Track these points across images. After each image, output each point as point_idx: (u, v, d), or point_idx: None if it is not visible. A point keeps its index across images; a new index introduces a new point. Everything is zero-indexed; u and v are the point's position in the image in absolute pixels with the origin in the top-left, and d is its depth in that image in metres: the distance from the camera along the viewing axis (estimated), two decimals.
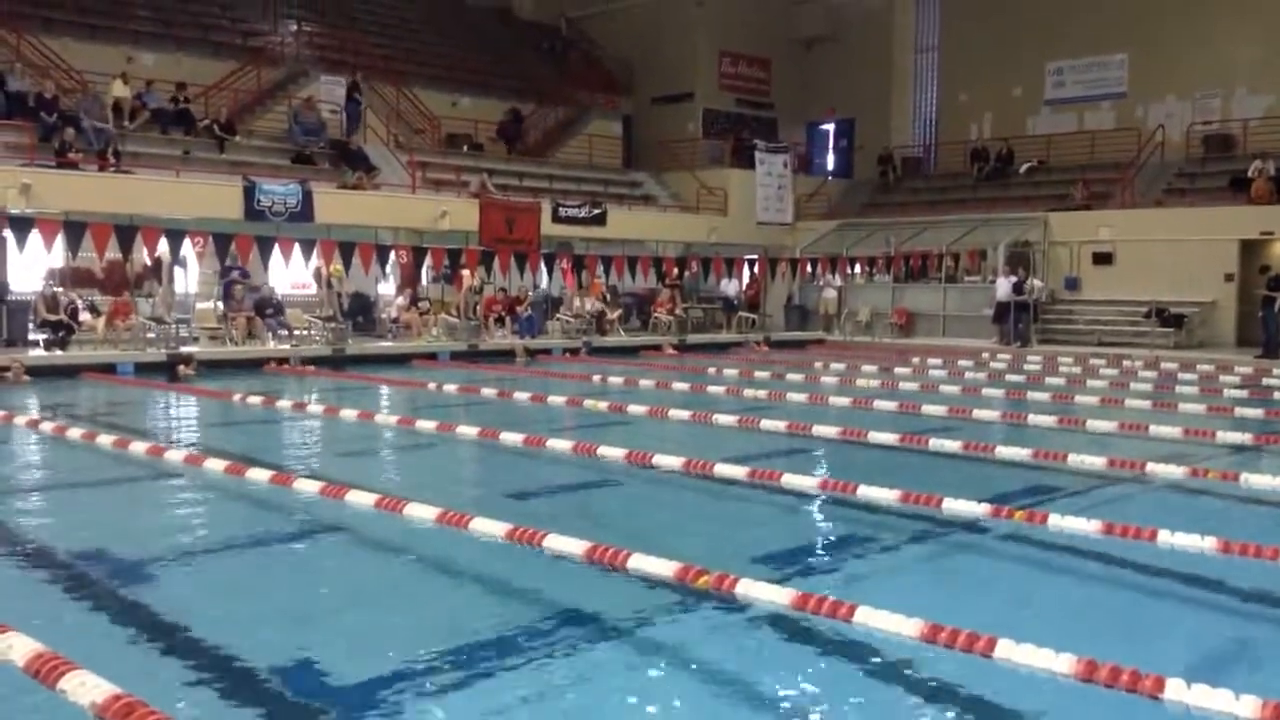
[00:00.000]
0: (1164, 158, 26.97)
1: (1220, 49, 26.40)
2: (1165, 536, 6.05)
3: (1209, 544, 5.88)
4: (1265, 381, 16.07)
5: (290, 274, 20.94)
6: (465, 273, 21.88)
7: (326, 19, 28.38)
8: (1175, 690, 3.82)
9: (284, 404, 12.72)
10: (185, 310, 19.44)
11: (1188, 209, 24.19)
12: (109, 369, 15.84)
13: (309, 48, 26.84)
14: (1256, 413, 12.37)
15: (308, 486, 7.50)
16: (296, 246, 17.64)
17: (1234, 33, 26.12)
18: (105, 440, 9.60)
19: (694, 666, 4.55)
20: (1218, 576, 5.74)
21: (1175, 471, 8.45)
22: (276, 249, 17.45)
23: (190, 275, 20.40)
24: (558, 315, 23.73)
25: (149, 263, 19.64)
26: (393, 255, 19.69)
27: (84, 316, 17.91)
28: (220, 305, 19.33)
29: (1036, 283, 23.64)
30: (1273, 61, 25.59)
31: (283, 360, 17.38)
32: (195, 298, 20.52)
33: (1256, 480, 8.04)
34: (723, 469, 8.18)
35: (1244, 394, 14.38)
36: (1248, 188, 23.46)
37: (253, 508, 7.59)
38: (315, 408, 12.47)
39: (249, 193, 20.01)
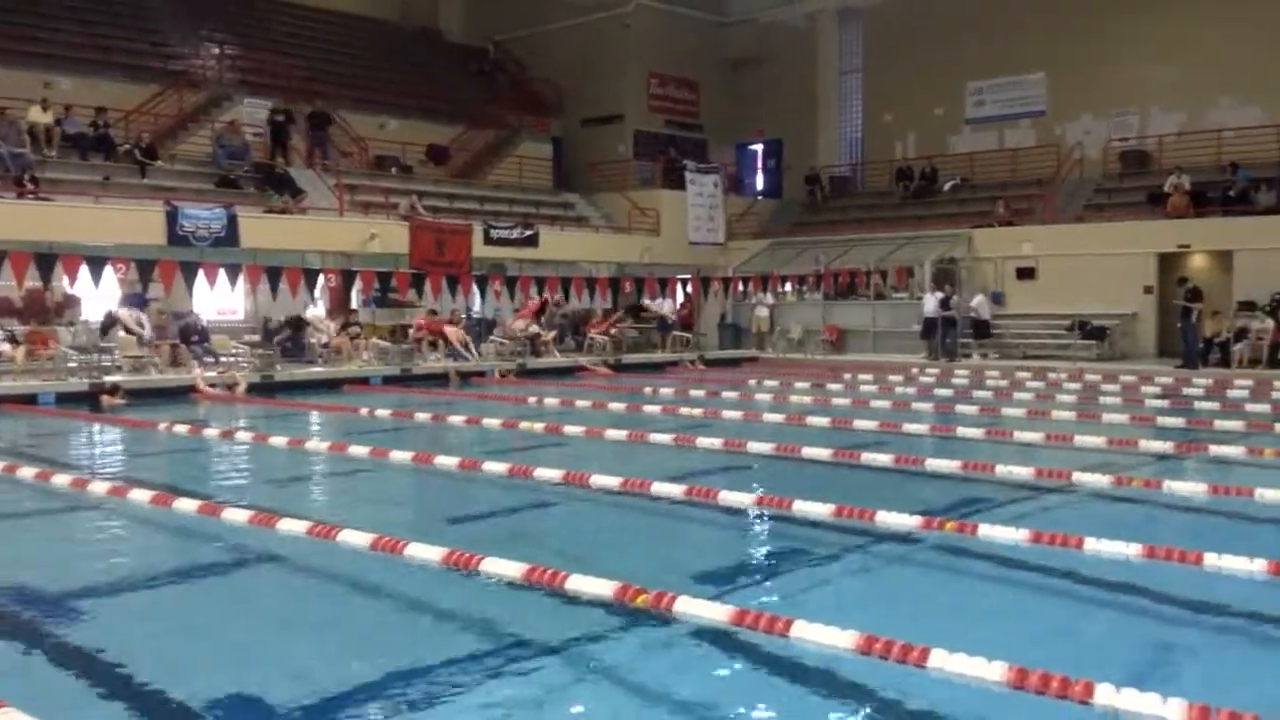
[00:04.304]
0: (1083, 174, 27.67)
1: (1135, 68, 27.18)
2: (1092, 544, 6.18)
3: (1134, 550, 6.02)
4: (1185, 391, 16.51)
5: (215, 300, 20.62)
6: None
7: (249, 41, 28.04)
8: (1104, 695, 3.90)
9: (212, 432, 12.50)
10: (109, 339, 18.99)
11: (1107, 224, 24.82)
12: (30, 400, 15.44)
13: (232, 70, 26.51)
14: (1177, 422, 12.70)
15: (237, 515, 7.37)
16: (222, 272, 17.38)
17: (1148, 52, 26.90)
18: (27, 473, 9.36)
19: (634, 685, 4.55)
20: (1143, 582, 5.87)
21: (1100, 480, 8.66)
22: (201, 275, 17.17)
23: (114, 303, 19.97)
24: (492, 337, 23.63)
25: (69, 291, 19.20)
26: (321, 279, 19.46)
27: (3, 347, 17.43)
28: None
29: (983, 298, 24.07)
30: (1186, 79, 26.40)
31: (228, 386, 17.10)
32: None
33: (1178, 487, 8.26)
34: (660, 487, 8.21)
35: (1165, 404, 14.74)
36: (1164, 202, 24.15)
37: (182, 539, 7.44)
38: (244, 435, 12.26)
39: (172, 218, 19.66)
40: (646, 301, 26.38)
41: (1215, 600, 5.58)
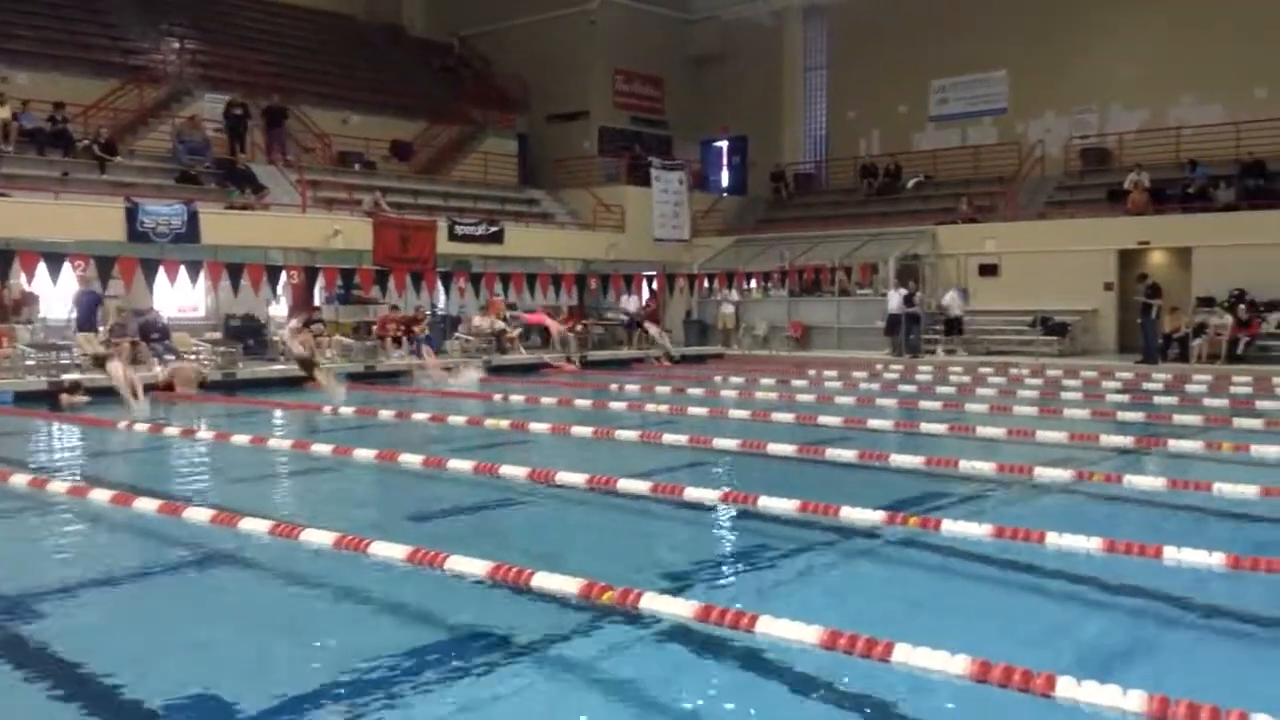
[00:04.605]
0: (1044, 171, 27.94)
1: (1095, 66, 27.47)
2: (1053, 538, 6.23)
3: (1095, 544, 6.07)
4: (1145, 386, 16.69)
5: (176, 297, 20.39)
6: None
7: (210, 36, 27.74)
8: (1066, 688, 3.93)
9: (173, 431, 12.36)
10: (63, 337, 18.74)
11: (1068, 221, 25.08)
12: None
13: (193, 65, 26.21)
14: (1138, 416, 12.83)
15: (199, 515, 7.29)
16: (182, 269, 17.18)
17: (1108, 50, 27.21)
18: None
19: (600, 682, 4.55)
20: (1103, 576, 5.93)
21: (1062, 475, 8.74)
22: (161, 271, 16.97)
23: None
24: (456, 334, 23.53)
25: (27, 288, 18.92)
26: (284, 276, 19.30)
27: None
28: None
29: (954, 294, 24.21)
30: (1146, 77, 26.72)
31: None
32: (74, 323, 19.79)
33: (1139, 481, 8.34)
34: (626, 484, 8.19)
35: (1125, 399, 14.90)
36: (1124, 199, 24.46)
37: (142, 538, 7.35)
38: (206, 434, 12.12)
39: (131, 214, 19.44)
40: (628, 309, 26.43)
41: (1175, 593, 5.65)
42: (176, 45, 26.61)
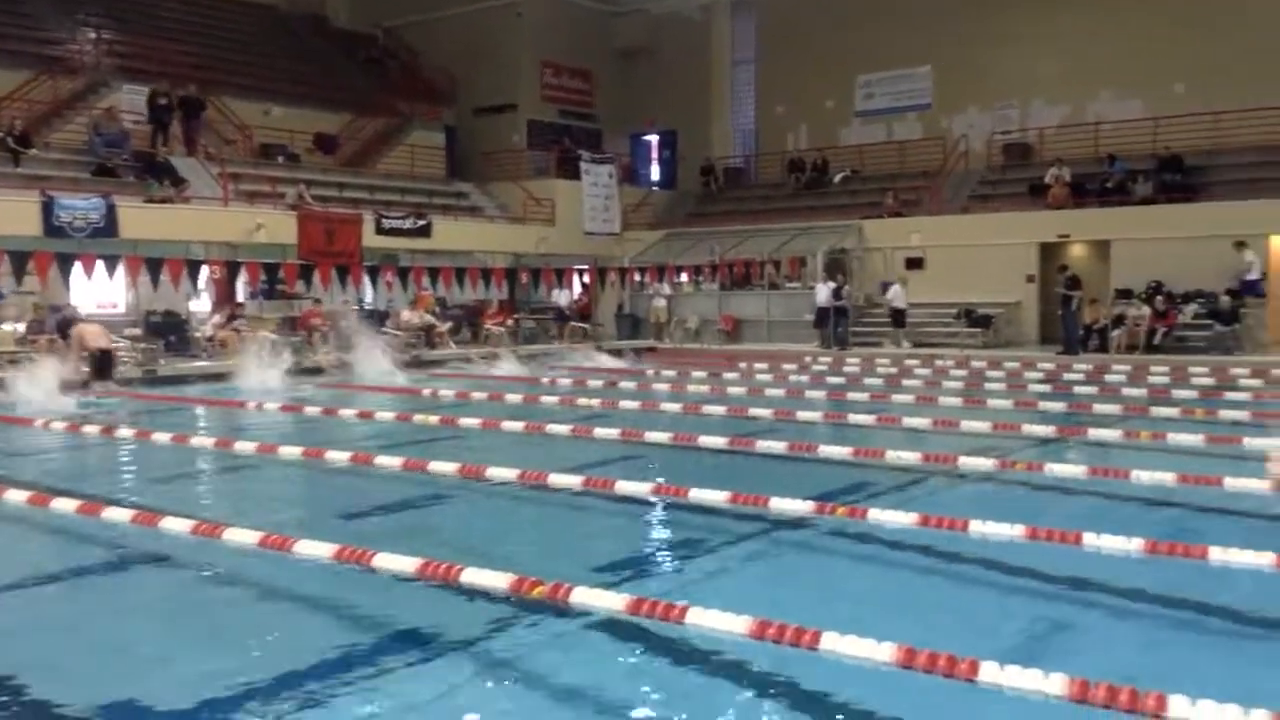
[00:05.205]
0: (968, 166, 28.37)
1: (1017, 62, 27.94)
2: (977, 526, 6.33)
3: (1017, 531, 6.18)
4: (1066, 376, 17.05)
5: (94, 292, 19.90)
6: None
7: (128, 26, 27.07)
8: (989, 672, 4.00)
9: (92, 429, 12.04)
10: None
11: (991, 214, 25.50)
12: None
13: (110, 56, 25.56)
14: (1059, 406, 13.11)
15: (119, 515, 7.12)
16: (100, 264, 16.76)
17: (1030, 47, 27.69)
18: None
19: (530, 677, 4.53)
20: (1026, 562, 6.04)
21: (985, 464, 8.89)
22: (78, 266, 16.54)
23: None
24: (383, 329, 23.24)
25: None
26: (205, 270, 18.92)
27: None
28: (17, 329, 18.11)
29: (898, 288, 24.37)
30: (1066, 73, 27.23)
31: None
32: None
33: (1060, 469, 8.51)
34: (557, 479, 8.16)
35: (1047, 389, 15.20)
36: (1045, 193, 24.95)
37: (61, 539, 7.17)
38: (126, 432, 11.84)
39: (47, 208, 18.91)
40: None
41: (1094, 578, 5.77)
42: (93, 35, 25.91)
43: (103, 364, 15.66)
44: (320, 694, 4.31)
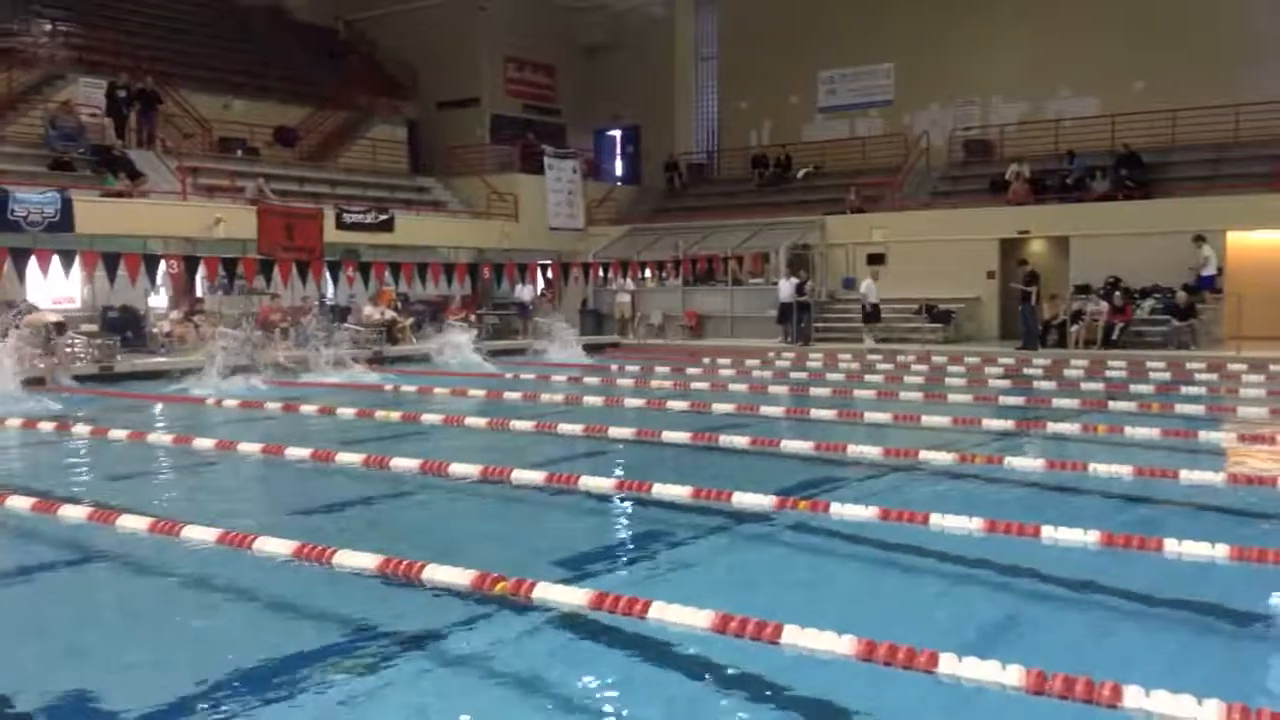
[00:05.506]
0: (929, 162, 28.58)
1: (978, 59, 28.17)
2: (937, 519, 6.39)
3: (976, 524, 6.25)
4: (1025, 371, 17.22)
5: (49, 288, 19.58)
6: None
7: (84, 18, 26.66)
8: (948, 664, 4.04)
9: (47, 426, 11.87)
10: None
11: (952, 210, 25.70)
12: None
13: (66, 48, 25.17)
14: (1018, 401, 13.24)
15: (75, 512, 7.03)
16: (56, 259, 16.49)
17: (991, 44, 27.94)
18: None
19: (493, 673, 4.51)
20: (985, 555, 6.09)
21: (945, 458, 8.96)
22: (33, 261, 16.27)
23: None
24: (345, 325, 23.06)
25: None
26: (163, 265, 18.65)
27: None
28: None
29: (871, 283, 24.37)
30: (1026, 70, 27.50)
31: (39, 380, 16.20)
32: None
33: (1018, 463, 8.62)
34: (520, 475, 8.14)
35: (1006, 384, 15.34)
36: (1005, 189, 25.18)
37: (15, 538, 7.05)
38: (82, 428, 11.68)
39: (2, 202, 18.57)
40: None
41: (1052, 571, 5.83)
42: (49, 27, 25.53)
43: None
44: (279, 692, 4.27)
